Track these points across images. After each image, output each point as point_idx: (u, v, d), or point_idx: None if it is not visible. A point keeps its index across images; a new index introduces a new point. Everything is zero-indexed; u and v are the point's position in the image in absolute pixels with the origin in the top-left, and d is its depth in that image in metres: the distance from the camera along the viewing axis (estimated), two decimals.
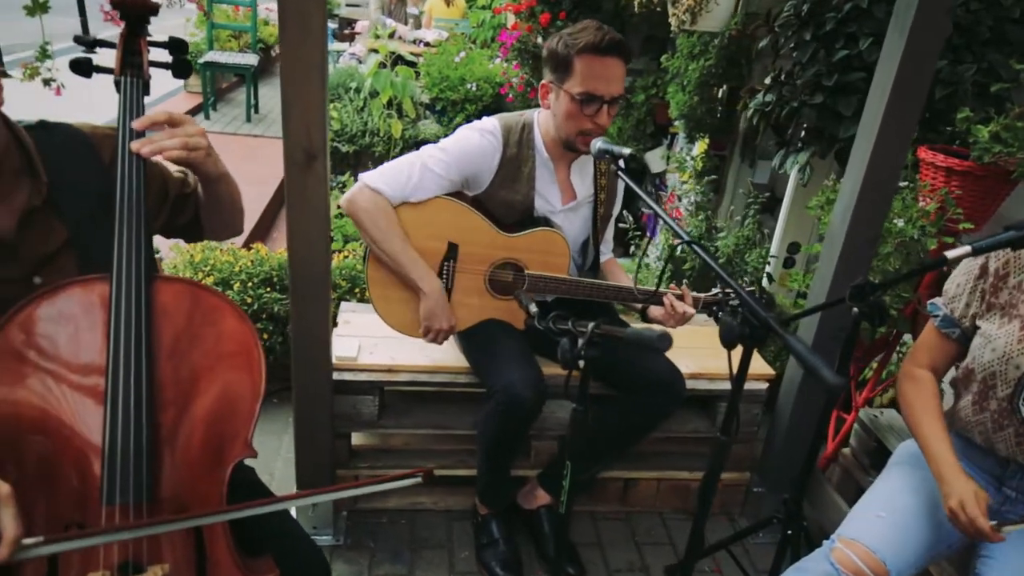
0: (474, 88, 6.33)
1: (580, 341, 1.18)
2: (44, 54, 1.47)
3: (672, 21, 2.60)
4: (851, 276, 2.08)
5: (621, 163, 1.69)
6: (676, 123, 4.97)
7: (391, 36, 7.18)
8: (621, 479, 2.44)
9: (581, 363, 1.24)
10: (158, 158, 1.16)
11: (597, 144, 1.75)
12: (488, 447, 2.04)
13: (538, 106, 2.01)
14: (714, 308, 2.01)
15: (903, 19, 1.80)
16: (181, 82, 6.85)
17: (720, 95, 4.63)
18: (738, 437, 2.46)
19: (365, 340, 2.28)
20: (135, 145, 1.14)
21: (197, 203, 1.41)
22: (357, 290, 2.88)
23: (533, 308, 1.57)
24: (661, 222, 4.54)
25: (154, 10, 1.29)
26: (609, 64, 1.84)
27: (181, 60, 1.30)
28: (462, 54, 6.67)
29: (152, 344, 1.10)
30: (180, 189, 1.41)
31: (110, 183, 1.14)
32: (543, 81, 1.94)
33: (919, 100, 1.87)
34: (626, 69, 1.88)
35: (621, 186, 2.17)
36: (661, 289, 1.97)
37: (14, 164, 1.16)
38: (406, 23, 8.38)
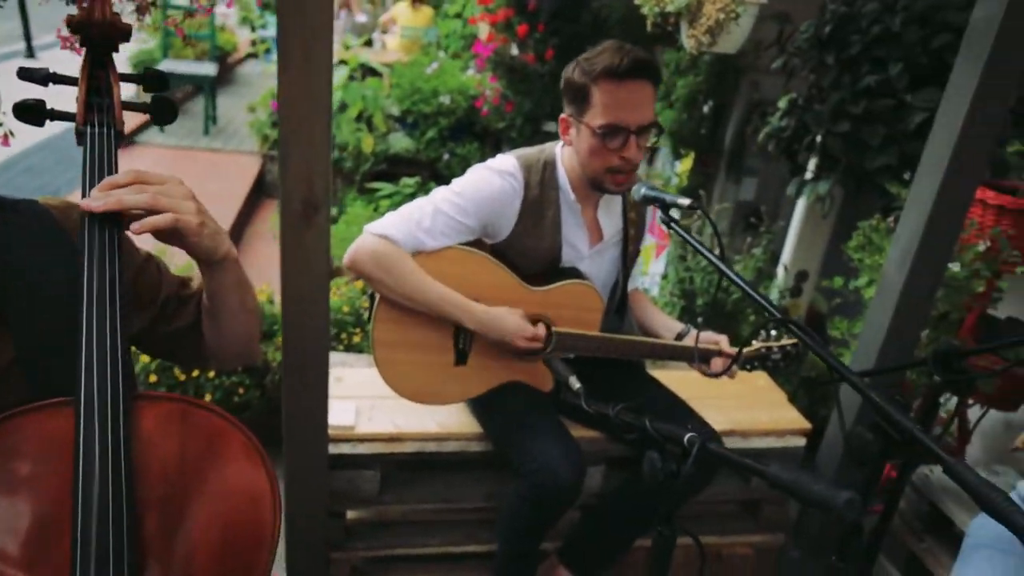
0: (447, 101, 6.05)
1: (680, 459, 0.93)
2: None
3: (689, 43, 2.40)
4: (907, 329, 1.91)
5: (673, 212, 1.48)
6: (658, 139, 4.84)
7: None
8: (643, 548, 2.20)
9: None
10: (133, 234, 0.87)
11: (641, 191, 1.53)
12: (515, 530, 1.78)
13: (552, 138, 1.76)
14: (755, 363, 1.80)
15: (978, 48, 1.61)
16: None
17: (706, 111, 4.51)
18: (770, 496, 2.27)
19: (362, 402, 2.01)
20: (85, 202, 0.84)
21: (200, 310, 1.10)
22: (344, 336, 2.59)
23: (576, 384, 1.33)
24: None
25: (126, 34, 1.01)
26: (633, 89, 1.59)
27: (163, 100, 1.01)
28: (434, 65, 6.39)
29: (133, 495, 0.78)
30: (177, 289, 1.11)
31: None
32: (561, 115, 1.70)
33: (991, 138, 1.69)
34: (656, 91, 1.64)
35: (648, 213, 1.94)
36: (703, 343, 1.77)
37: None
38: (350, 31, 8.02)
